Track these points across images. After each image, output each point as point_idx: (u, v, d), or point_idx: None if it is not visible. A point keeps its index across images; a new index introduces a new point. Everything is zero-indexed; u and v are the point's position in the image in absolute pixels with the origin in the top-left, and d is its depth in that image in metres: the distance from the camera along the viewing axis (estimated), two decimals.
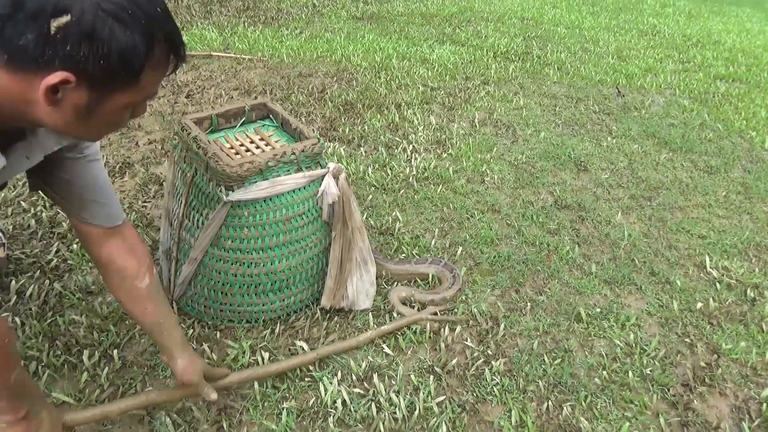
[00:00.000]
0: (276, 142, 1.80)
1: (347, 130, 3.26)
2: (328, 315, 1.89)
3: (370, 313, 1.89)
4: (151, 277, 1.28)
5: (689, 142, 3.45)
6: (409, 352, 1.78)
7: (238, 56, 4.31)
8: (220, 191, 1.60)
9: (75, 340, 1.70)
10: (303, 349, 1.72)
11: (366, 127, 3.33)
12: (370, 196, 2.62)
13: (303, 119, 3.38)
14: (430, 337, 1.84)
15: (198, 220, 1.68)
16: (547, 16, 6.50)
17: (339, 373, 1.66)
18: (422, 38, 5.20)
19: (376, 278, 1.96)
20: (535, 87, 4.22)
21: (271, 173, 1.63)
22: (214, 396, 1.35)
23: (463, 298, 2.02)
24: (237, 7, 5.91)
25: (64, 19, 0.78)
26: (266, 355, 1.68)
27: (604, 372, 1.75)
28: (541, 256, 2.29)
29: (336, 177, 1.73)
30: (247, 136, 1.83)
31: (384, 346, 1.77)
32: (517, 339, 1.86)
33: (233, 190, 1.59)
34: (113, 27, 0.80)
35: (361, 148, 3.08)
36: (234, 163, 1.57)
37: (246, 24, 5.27)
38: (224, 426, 1.49)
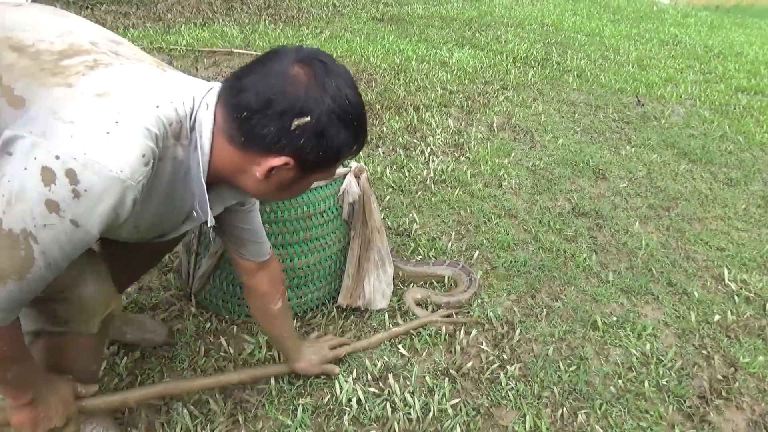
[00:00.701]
0: None
1: None
2: (344, 313, 1.90)
3: (386, 314, 1.89)
4: (282, 302, 1.52)
5: (709, 153, 3.42)
6: (424, 353, 1.79)
7: (259, 54, 4.33)
8: None
9: None
10: None
11: (384, 128, 3.34)
12: (388, 197, 2.63)
13: None
14: (445, 339, 1.84)
15: None
16: (568, 23, 6.48)
17: (354, 372, 1.67)
18: (442, 41, 5.20)
19: (393, 279, 1.97)
20: (554, 93, 4.21)
21: None
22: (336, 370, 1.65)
23: (479, 301, 2.02)
24: (258, 5, 5.96)
25: (305, 119, 0.95)
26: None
27: (620, 381, 1.74)
28: (557, 263, 2.29)
29: (357, 176, 1.74)
30: None
31: (399, 346, 1.78)
32: (533, 344, 1.86)
33: None
34: (339, 128, 0.98)
35: (379, 149, 3.09)
36: None
37: (267, 22, 5.31)
38: (240, 419, 1.50)
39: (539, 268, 2.24)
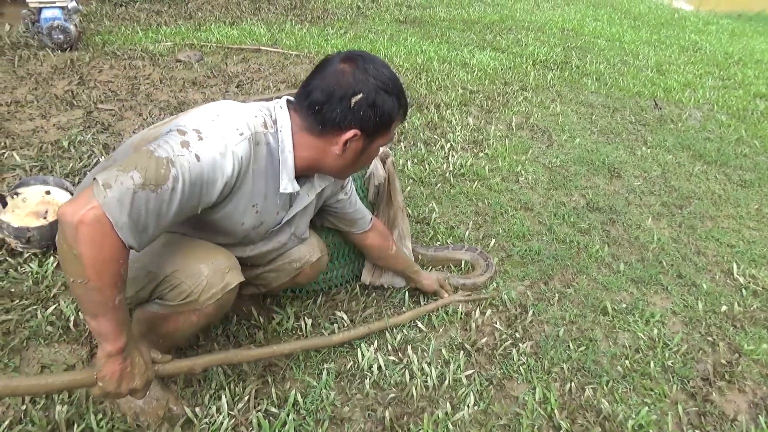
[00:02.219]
0: None
1: None
2: (366, 291, 2.02)
3: (406, 292, 2.00)
4: (395, 245, 1.89)
5: (724, 155, 3.48)
6: (441, 329, 1.89)
7: (286, 52, 4.48)
8: None
9: None
10: (343, 320, 1.84)
11: (406, 125, 3.45)
12: (409, 188, 2.74)
13: None
14: (461, 318, 1.94)
15: None
16: (588, 28, 6.55)
17: (375, 342, 1.78)
18: (463, 43, 5.31)
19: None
20: (572, 95, 4.29)
21: None
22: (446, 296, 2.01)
23: (495, 285, 2.12)
24: (285, 5, 6.12)
25: (359, 96, 1.25)
26: (309, 322, 1.81)
27: (627, 361, 1.83)
28: (570, 253, 2.38)
29: (383, 161, 1.85)
30: None
31: (418, 322, 1.89)
32: (544, 326, 1.96)
33: None
34: (384, 97, 1.28)
35: (401, 143, 3.21)
36: None
37: (293, 22, 5.46)
38: (269, 380, 1.62)
39: (553, 257, 2.34)
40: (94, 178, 1.03)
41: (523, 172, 3.04)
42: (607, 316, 2.03)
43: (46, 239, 1.95)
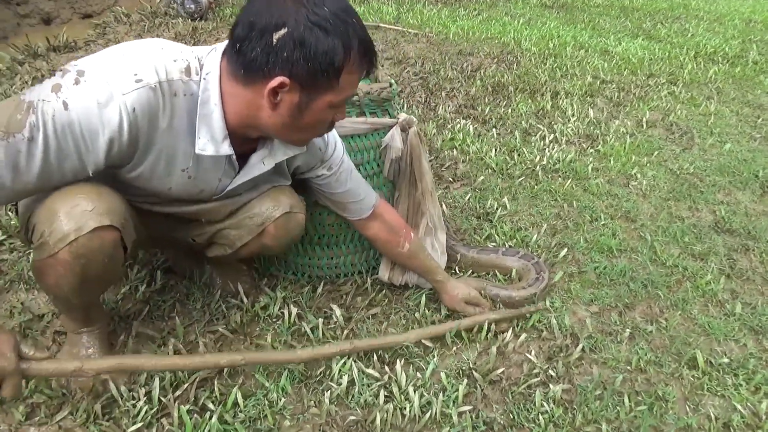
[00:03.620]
0: None
1: (487, 110, 2.98)
2: (380, 285, 1.69)
3: (424, 295, 1.64)
4: (410, 243, 1.53)
5: None
6: (454, 348, 1.50)
7: (405, 30, 4.23)
8: None
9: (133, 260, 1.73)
10: (335, 313, 1.54)
11: (510, 111, 3.01)
12: (482, 177, 2.33)
13: (444, 94, 3.18)
14: (486, 337, 1.53)
15: None
16: None
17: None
18: (612, 30, 4.64)
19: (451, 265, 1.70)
20: (737, 94, 3.48)
21: None
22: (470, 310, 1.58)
23: (548, 304, 1.67)
24: None
25: (282, 31, 0.98)
26: (294, 310, 1.53)
27: None
28: (669, 280, 1.82)
29: (405, 130, 1.51)
30: None
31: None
32: (595, 367, 1.47)
33: None
34: (318, 34, 0.98)
35: (495, 130, 2.78)
36: None
37: (426, 3, 5.19)
38: (224, 373, 1.38)
39: (642, 282, 1.80)
40: None
41: (638, 175, 2.46)
42: (695, 371, 1.48)
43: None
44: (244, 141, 1.17)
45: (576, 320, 1.64)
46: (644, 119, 3.02)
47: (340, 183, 1.39)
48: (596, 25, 4.78)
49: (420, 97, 3.11)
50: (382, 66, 3.56)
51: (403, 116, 1.51)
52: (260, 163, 1.21)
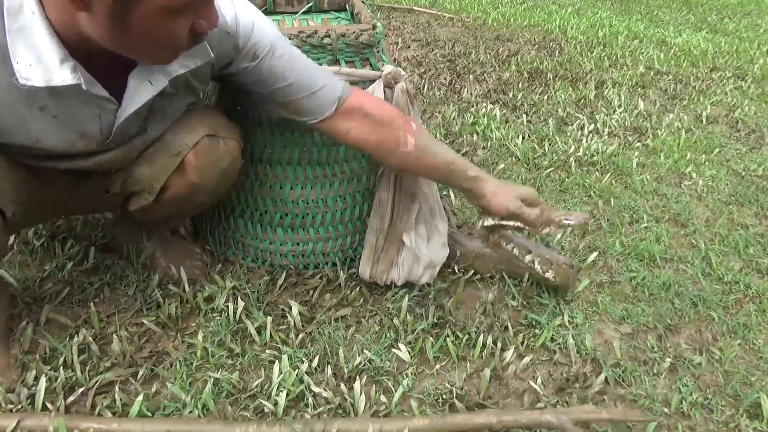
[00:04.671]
0: None
1: (519, 96, 2.63)
2: (354, 282, 1.37)
3: (407, 297, 1.31)
4: (414, 136, 1.12)
5: None
6: (438, 365, 1.17)
7: (440, 14, 3.91)
8: None
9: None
10: (291, 312, 1.23)
11: (545, 98, 2.65)
12: (503, 165, 1.99)
13: (472, 77, 2.83)
14: (480, 354, 1.20)
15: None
16: None
17: (316, 359, 1.14)
18: (672, 22, 4.19)
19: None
20: None
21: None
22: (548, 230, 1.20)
23: (566, 319, 1.31)
24: None
25: None
26: (241, 305, 1.23)
27: None
28: (727, 300, 1.43)
29: (390, 86, 1.19)
30: (308, 24, 1.39)
31: (401, 346, 1.19)
32: (621, 405, 1.11)
33: None
34: None
35: (525, 116, 2.42)
36: None
37: None
38: (139, 373, 1.09)
39: (690, 299, 1.42)
40: None
41: (693, 174, 2.06)
42: (757, 422, 1.10)
43: None
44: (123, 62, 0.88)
45: (601, 342, 1.28)
46: (704, 114, 2.60)
47: (276, 74, 1.03)
48: (654, 17, 4.34)
49: (444, 78, 2.78)
50: (408, 47, 3.25)
51: (388, 68, 1.19)
52: (146, 84, 0.91)
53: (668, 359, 1.23)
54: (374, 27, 1.20)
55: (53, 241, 1.41)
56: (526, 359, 1.19)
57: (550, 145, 2.18)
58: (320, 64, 1.19)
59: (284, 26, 1.35)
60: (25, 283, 1.28)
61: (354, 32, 1.17)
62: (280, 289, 1.33)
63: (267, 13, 1.45)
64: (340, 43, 1.17)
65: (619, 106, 2.63)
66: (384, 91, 1.18)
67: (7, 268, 1.32)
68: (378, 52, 1.25)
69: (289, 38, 1.15)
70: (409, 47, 3.25)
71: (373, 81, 1.20)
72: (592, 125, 2.39)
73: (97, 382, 1.05)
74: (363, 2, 1.39)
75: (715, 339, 1.32)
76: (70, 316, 1.22)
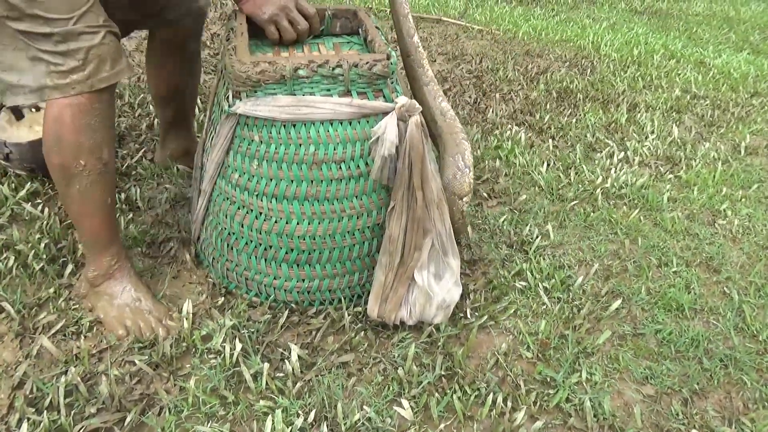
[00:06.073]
0: None
1: (546, 118, 2.53)
2: (359, 324, 1.30)
3: (413, 345, 1.23)
4: None
5: None
6: (442, 425, 1.09)
7: (469, 25, 3.82)
8: (227, 99, 1.13)
9: None
10: (290, 357, 1.17)
11: (574, 120, 2.54)
12: (525, 196, 1.90)
13: (498, 95, 2.74)
14: (488, 415, 1.12)
15: (213, 140, 1.24)
16: None
17: (313, 413, 1.07)
18: (711, 41, 4.03)
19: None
20: None
21: (301, 87, 1.11)
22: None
23: (584, 376, 1.22)
24: None
25: None
26: (238, 347, 1.17)
27: None
28: (761, 361, 1.32)
29: (404, 119, 1.11)
30: (319, 50, 1.32)
31: (404, 402, 1.12)
32: None
33: (240, 99, 1.11)
34: None
35: (551, 141, 2.33)
36: (247, 60, 1.09)
37: (500, 1, 4.74)
38: (127, 417, 1.04)
39: (721, 358, 1.32)
40: None
41: (728, 212, 1.94)
42: None
43: (27, 160, 1.64)
44: None
45: (621, 404, 1.19)
46: (743, 144, 2.47)
47: None
48: (693, 34, 4.18)
49: (469, 97, 2.69)
50: (434, 61, 3.17)
51: (402, 100, 1.11)
52: None
53: (694, 430, 1.13)
54: (388, 57, 1.13)
55: (53, 264, 1.37)
56: (539, 423, 1.10)
57: (576, 174, 2.08)
58: (330, 95, 1.13)
59: (294, 53, 1.28)
60: (21, 312, 1.24)
61: (367, 62, 1.11)
62: (281, 329, 1.26)
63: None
64: (352, 73, 1.11)
65: (652, 132, 2.51)
66: (397, 124, 1.11)
67: (5, 292, 1.28)
68: (392, 82, 1.18)
69: (299, 68, 1.09)
70: (435, 61, 3.17)
71: (385, 113, 1.13)
72: (622, 153, 2.27)
73: (82, 428, 1.00)
74: (377, 28, 1.31)
75: (746, 407, 1.21)
76: (62, 348, 1.17)
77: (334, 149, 1.14)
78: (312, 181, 1.16)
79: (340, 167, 1.16)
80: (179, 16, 1.45)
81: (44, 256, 1.38)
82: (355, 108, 1.12)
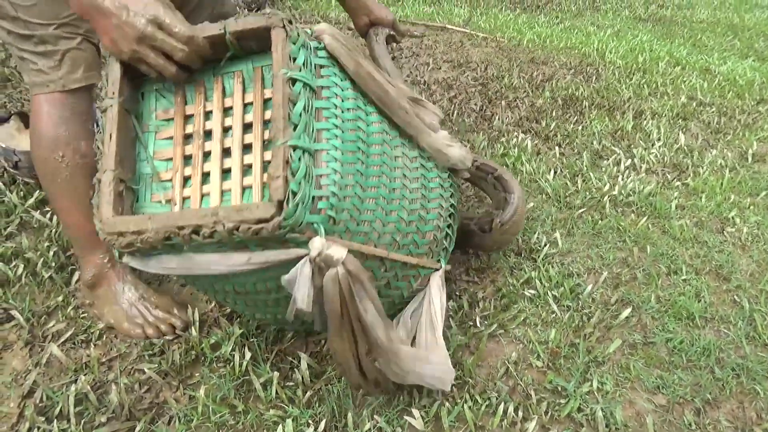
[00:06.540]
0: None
1: (552, 125, 2.52)
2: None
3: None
4: None
5: None
6: None
7: (474, 33, 3.83)
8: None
9: None
10: (300, 366, 1.16)
11: (580, 128, 2.54)
12: (532, 204, 1.89)
13: (504, 103, 2.74)
14: (499, 425, 1.11)
15: None
16: None
17: (323, 422, 1.07)
18: (716, 48, 4.03)
19: None
20: None
21: (184, 247, 0.89)
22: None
23: (595, 386, 1.21)
24: None
25: None
26: (248, 355, 1.17)
27: None
28: None
29: (325, 266, 0.86)
30: (232, 89, 0.98)
31: (415, 411, 1.11)
32: None
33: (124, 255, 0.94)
34: None
35: (558, 148, 2.32)
36: (111, 221, 0.89)
37: (504, 8, 4.76)
38: (141, 421, 1.03)
39: (732, 367, 1.31)
40: None
41: (736, 220, 1.93)
42: None
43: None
44: None
45: (633, 414, 1.18)
46: (750, 151, 2.46)
47: None
48: (698, 41, 4.18)
49: (475, 104, 2.70)
50: (439, 68, 3.17)
51: (318, 242, 0.85)
52: None
53: None
54: (282, 207, 0.82)
55: (61, 272, 1.37)
56: None
57: (583, 181, 2.08)
58: (221, 250, 0.89)
59: (202, 100, 0.98)
60: (30, 321, 1.24)
61: (249, 227, 0.82)
62: (290, 337, 1.26)
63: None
64: (250, 234, 0.83)
65: (659, 139, 2.50)
66: (307, 274, 0.85)
67: (14, 300, 1.28)
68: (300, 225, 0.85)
69: (169, 236, 0.85)
70: (440, 68, 3.17)
71: (298, 259, 0.87)
72: (629, 160, 2.27)
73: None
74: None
75: (759, 417, 1.20)
76: (72, 357, 1.17)
77: (256, 285, 1.00)
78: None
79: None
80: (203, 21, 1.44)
81: (53, 264, 1.38)
82: (256, 265, 0.88)
